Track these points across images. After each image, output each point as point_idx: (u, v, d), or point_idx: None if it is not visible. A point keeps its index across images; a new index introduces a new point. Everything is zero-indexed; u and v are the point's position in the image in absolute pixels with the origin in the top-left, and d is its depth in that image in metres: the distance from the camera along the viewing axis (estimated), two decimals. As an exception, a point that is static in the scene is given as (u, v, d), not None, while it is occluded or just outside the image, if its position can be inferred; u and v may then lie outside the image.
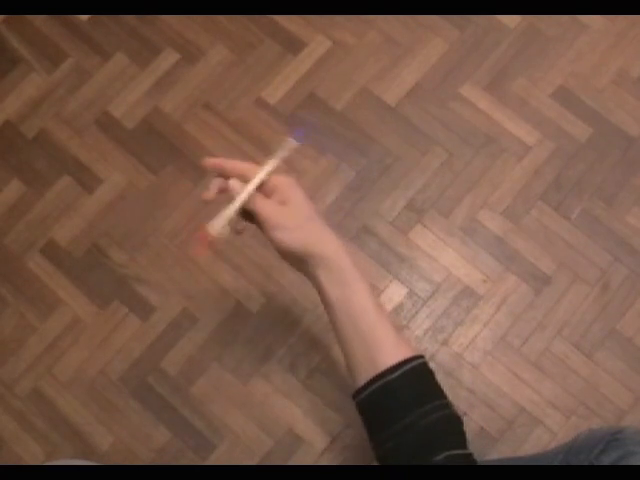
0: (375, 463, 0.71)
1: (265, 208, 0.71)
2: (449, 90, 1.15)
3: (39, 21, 1.22)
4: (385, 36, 1.18)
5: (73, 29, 1.22)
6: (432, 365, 1.02)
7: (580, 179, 1.10)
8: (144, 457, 1.02)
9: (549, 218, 1.08)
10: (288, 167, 1.12)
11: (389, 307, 1.06)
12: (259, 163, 0.75)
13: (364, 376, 0.66)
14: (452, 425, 0.65)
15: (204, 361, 1.05)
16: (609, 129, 1.12)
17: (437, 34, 1.18)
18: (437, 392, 0.67)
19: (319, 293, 0.72)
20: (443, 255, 1.08)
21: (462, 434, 0.65)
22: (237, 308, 1.07)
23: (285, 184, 0.74)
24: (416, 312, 1.06)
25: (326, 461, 1.00)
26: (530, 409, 1.01)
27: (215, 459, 1.01)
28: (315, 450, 1.01)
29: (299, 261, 0.71)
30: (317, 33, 1.19)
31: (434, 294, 1.06)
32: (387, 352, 0.66)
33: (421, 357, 0.68)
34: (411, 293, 1.06)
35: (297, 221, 0.71)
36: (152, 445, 1.03)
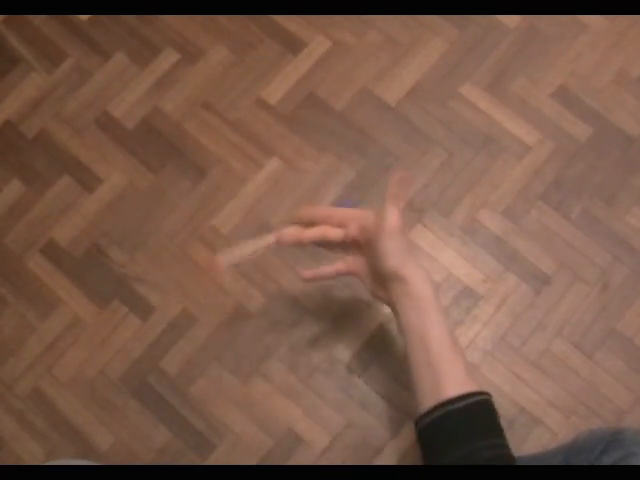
0: (376, 463, 0.71)
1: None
2: (449, 90, 1.15)
3: (39, 21, 1.22)
4: (385, 36, 1.18)
5: (73, 29, 1.22)
6: (432, 365, 1.03)
7: (580, 179, 1.10)
8: (144, 457, 1.02)
9: (549, 218, 1.08)
10: (288, 167, 1.13)
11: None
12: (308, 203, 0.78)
13: (428, 403, 0.67)
14: (506, 464, 0.65)
15: (204, 361, 1.05)
16: (609, 129, 1.12)
17: (437, 34, 1.18)
18: (497, 431, 0.68)
19: (396, 317, 0.74)
20: (443, 255, 1.08)
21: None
22: (237, 308, 1.07)
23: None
24: (416, 312, 1.05)
25: (326, 461, 1.00)
26: (530, 409, 1.01)
27: (215, 459, 1.01)
28: (315, 450, 1.01)
29: (384, 282, 0.75)
30: (317, 33, 1.19)
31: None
32: (454, 383, 0.67)
33: (487, 394, 0.68)
34: (411, 293, 1.06)
35: (403, 244, 0.75)
36: (152, 445, 1.03)
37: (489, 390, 1.00)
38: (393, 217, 0.74)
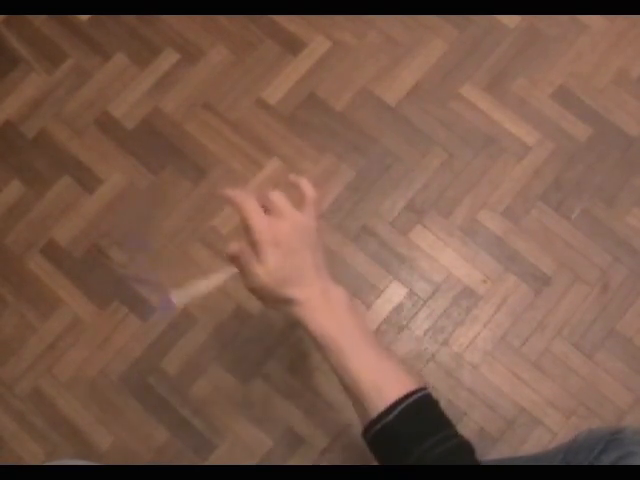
0: (375, 462, 0.71)
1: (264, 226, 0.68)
2: (449, 90, 1.15)
3: (39, 21, 1.22)
4: (385, 36, 1.18)
5: (73, 29, 1.22)
6: (432, 365, 1.03)
7: (580, 179, 1.10)
8: (144, 457, 1.02)
9: (549, 218, 1.08)
10: (289, 167, 1.13)
11: (389, 307, 1.06)
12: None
13: (363, 420, 0.66)
14: (461, 454, 0.64)
15: (204, 361, 1.05)
16: (609, 129, 1.12)
17: (437, 34, 1.18)
18: (441, 424, 0.66)
19: (306, 331, 0.69)
20: (443, 255, 1.08)
21: (473, 462, 0.64)
22: (237, 308, 1.07)
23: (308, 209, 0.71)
24: (416, 312, 1.06)
25: (326, 461, 1.00)
26: (530, 409, 1.01)
27: (215, 459, 1.01)
28: (315, 450, 1.01)
29: (278, 302, 0.69)
30: (317, 33, 1.19)
31: (434, 294, 1.06)
32: (384, 393, 0.65)
33: (421, 390, 0.66)
34: (411, 293, 1.06)
35: (295, 246, 0.68)
36: (152, 445, 1.03)
37: (489, 391, 1.01)
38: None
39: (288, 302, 0.68)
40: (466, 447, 0.65)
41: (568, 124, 1.12)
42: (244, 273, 0.69)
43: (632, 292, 1.05)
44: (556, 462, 0.81)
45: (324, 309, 0.68)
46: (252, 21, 1.20)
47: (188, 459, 1.02)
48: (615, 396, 1.01)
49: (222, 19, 1.21)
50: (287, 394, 1.03)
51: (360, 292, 1.06)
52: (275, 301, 0.69)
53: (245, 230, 0.68)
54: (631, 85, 1.14)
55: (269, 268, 0.66)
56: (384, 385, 0.66)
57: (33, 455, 1.03)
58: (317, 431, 1.02)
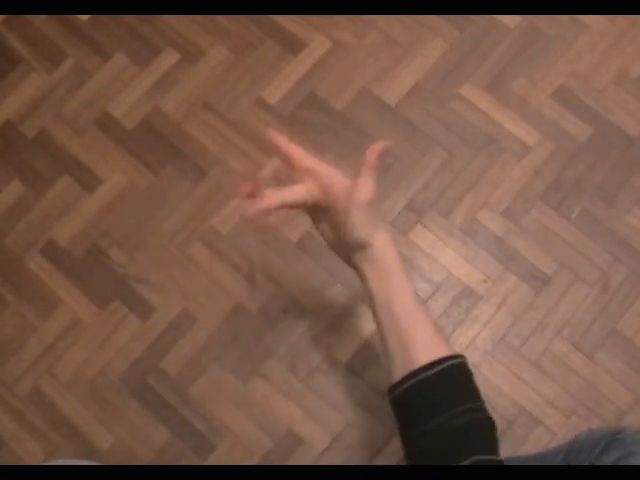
0: (376, 463, 0.71)
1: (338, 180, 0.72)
2: (449, 90, 1.15)
3: (39, 21, 1.22)
4: (385, 36, 1.18)
5: (73, 29, 1.22)
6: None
7: (580, 179, 1.10)
8: (144, 457, 1.02)
9: (549, 218, 1.08)
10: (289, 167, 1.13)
11: (389, 307, 1.06)
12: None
13: (400, 372, 0.66)
14: (484, 429, 0.64)
15: (204, 361, 1.05)
16: (609, 129, 1.12)
17: (437, 34, 1.18)
18: (472, 394, 0.66)
19: (362, 282, 0.72)
20: (443, 255, 1.08)
21: (493, 439, 0.64)
22: (237, 308, 1.07)
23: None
24: (416, 312, 1.05)
25: (326, 461, 1.00)
26: (530, 409, 1.01)
27: (215, 459, 1.01)
28: (315, 450, 1.01)
29: (348, 247, 0.71)
30: (317, 33, 1.19)
31: (434, 294, 1.06)
32: (424, 350, 0.66)
33: (459, 357, 0.67)
34: (411, 293, 1.06)
35: (369, 211, 0.70)
36: (152, 445, 1.03)
37: (489, 391, 1.01)
38: (369, 189, 0.70)
39: (367, 245, 0.70)
40: (491, 423, 0.65)
41: (568, 124, 1.12)
42: (334, 214, 0.71)
43: (632, 292, 1.05)
44: (556, 462, 0.81)
45: (393, 264, 0.70)
46: (252, 21, 1.20)
47: (188, 459, 1.02)
48: (615, 396, 1.01)
49: (222, 19, 1.21)
50: (287, 394, 1.03)
51: (360, 292, 1.06)
52: (354, 241, 0.71)
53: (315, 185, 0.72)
54: (631, 85, 1.14)
55: (360, 199, 0.69)
56: (430, 343, 0.67)
57: (33, 455, 1.03)
58: (317, 431, 1.01)
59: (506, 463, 0.90)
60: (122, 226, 1.12)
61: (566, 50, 1.16)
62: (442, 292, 1.06)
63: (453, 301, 1.06)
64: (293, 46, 1.18)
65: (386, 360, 0.69)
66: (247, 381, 1.04)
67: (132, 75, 1.19)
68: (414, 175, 1.11)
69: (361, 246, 0.70)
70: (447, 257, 1.07)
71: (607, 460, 0.74)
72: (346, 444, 1.01)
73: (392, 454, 0.99)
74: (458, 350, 1.02)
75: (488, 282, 1.06)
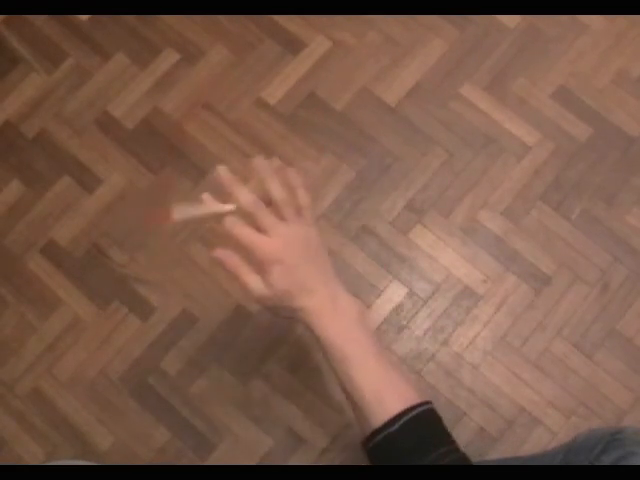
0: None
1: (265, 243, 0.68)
2: (449, 90, 1.15)
3: (39, 21, 1.22)
4: (385, 36, 1.18)
5: (73, 29, 1.22)
6: (432, 365, 1.03)
7: (580, 179, 1.10)
8: (144, 457, 1.02)
9: (549, 218, 1.08)
10: (289, 167, 1.13)
11: (389, 307, 1.06)
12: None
13: (367, 428, 0.66)
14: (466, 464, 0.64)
15: (204, 361, 1.05)
16: (609, 129, 1.12)
17: (437, 34, 1.18)
18: (442, 439, 0.66)
19: (314, 334, 0.70)
20: (443, 255, 1.08)
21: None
22: (237, 308, 1.07)
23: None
24: (416, 312, 1.06)
25: (326, 461, 1.00)
26: (530, 409, 1.01)
27: (215, 459, 1.01)
28: (315, 450, 1.01)
29: (286, 311, 0.70)
30: (317, 33, 1.19)
31: (434, 294, 1.06)
32: (387, 404, 0.65)
33: (425, 404, 0.66)
34: (411, 293, 1.06)
35: (296, 259, 0.68)
36: (152, 445, 1.03)
37: (489, 391, 1.01)
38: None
39: (296, 310, 0.69)
40: (467, 462, 0.65)
41: (568, 124, 1.12)
42: (249, 288, 0.68)
43: (632, 292, 1.05)
44: (556, 462, 0.81)
45: (331, 316, 0.68)
46: (252, 21, 1.20)
47: (188, 459, 1.02)
48: (615, 396, 1.01)
49: (222, 19, 1.21)
50: (287, 394, 1.03)
51: (360, 292, 1.06)
52: (284, 310, 0.69)
53: (245, 251, 0.68)
54: (631, 85, 1.14)
55: (275, 285, 0.67)
56: (388, 396, 0.66)
57: (33, 455, 1.03)
58: (317, 431, 1.02)
59: (506, 463, 0.91)
60: (122, 226, 1.12)
61: (566, 50, 1.16)
62: (442, 292, 1.06)
63: (453, 301, 1.06)
64: (293, 46, 1.18)
65: (354, 409, 0.68)
66: (247, 381, 1.04)
67: (132, 75, 1.19)
68: (414, 175, 1.11)
69: (295, 312, 0.69)
70: (447, 257, 1.07)
71: (607, 460, 0.74)
72: (346, 444, 1.01)
73: (392, 454, 0.99)
74: (457, 350, 1.03)
75: (488, 282, 1.06)
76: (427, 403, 0.67)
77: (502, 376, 1.02)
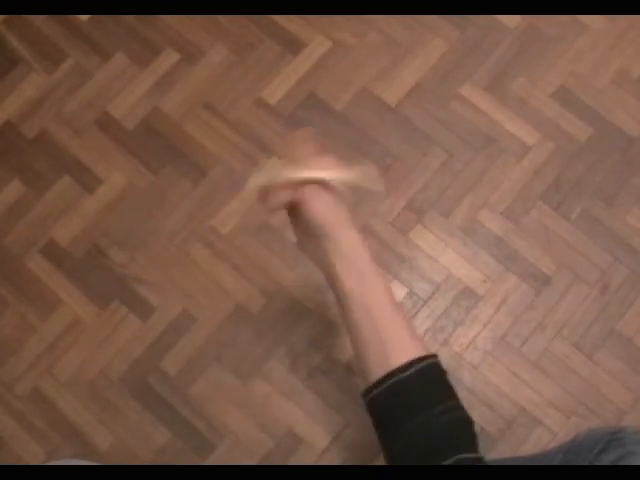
0: (376, 463, 0.71)
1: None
2: (449, 90, 1.15)
3: (39, 21, 1.22)
4: (385, 36, 1.18)
5: (73, 29, 1.22)
6: (432, 365, 1.03)
7: (580, 179, 1.10)
8: (144, 457, 1.02)
9: (549, 218, 1.08)
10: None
11: (389, 307, 1.06)
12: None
13: (375, 374, 0.65)
14: (463, 428, 0.64)
15: (204, 361, 1.05)
16: (609, 129, 1.12)
17: (437, 34, 1.18)
18: (449, 393, 0.66)
19: (331, 281, 0.69)
20: (443, 255, 1.08)
21: (473, 437, 0.64)
22: (237, 308, 1.07)
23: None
24: (416, 312, 1.06)
25: (326, 461, 1.00)
26: (530, 409, 1.01)
27: (215, 459, 1.01)
28: (315, 450, 1.01)
29: (313, 237, 0.69)
30: (317, 33, 1.19)
31: (434, 294, 1.06)
32: (400, 350, 0.65)
33: (434, 356, 0.67)
34: (411, 293, 1.06)
35: (334, 196, 0.70)
36: (152, 445, 1.03)
37: (489, 391, 1.01)
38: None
39: (329, 234, 0.69)
40: (469, 421, 0.65)
41: (568, 124, 1.12)
42: None
43: (632, 292, 1.05)
44: (556, 462, 0.81)
45: (363, 262, 0.70)
46: (252, 21, 1.20)
47: (188, 459, 1.02)
48: (615, 396, 1.01)
49: (222, 19, 1.21)
50: (287, 394, 1.03)
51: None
52: (315, 231, 0.70)
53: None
54: (631, 85, 1.14)
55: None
56: (407, 343, 0.66)
57: (33, 455, 1.03)
58: (317, 431, 1.02)
59: (506, 463, 0.91)
60: (122, 226, 1.12)
61: (566, 50, 1.16)
62: (442, 292, 1.06)
63: (453, 301, 1.06)
64: (293, 46, 1.18)
65: (359, 361, 0.67)
66: (247, 381, 1.04)
67: (132, 75, 1.19)
68: (414, 175, 1.11)
69: (328, 238, 0.68)
70: (447, 257, 1.08)
71: (606, 460, 0.74)
72: (346, 444, 1.01)
73: (392, 454, 0.99)
74: (457, 350, 1.03)
75: (488, 282, 1.06)
76: (435, 356, 0.67)
77: (502, 376, 1.02)
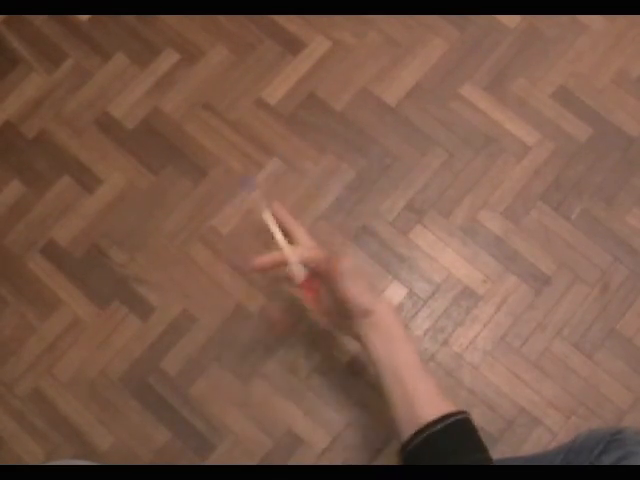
0: (376, 463, 0.72)
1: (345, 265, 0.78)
2: (449, 90, 1.15)
3: (39, 21, 1.22)
4: (385, 36, 1.18)
5: (73, 29, 1.22)
6: (432, 365, 1.03)
7: (580, 179, 1.10)
8: (144, 457, 1.02)
9: (549, 218, 1.08)
10: (289, 167, 1.13)
11: (389, 307, 1.06)
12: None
13: (407, 429, 0.69)
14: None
15: (204, 361, 1.05)
16: (609, 129, 1.12)
17: (437, 34, 1.18)
18: (479, 447, 0.69)
19: (366, 350, 0.76)
20: (443, 255, 1.08)
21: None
22: (237, 308, 1.07)
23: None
24: (416, 312, 1.06)
25: (326, 461, 1.00)
26: (530, 409, 1.01)
27: (215, 459, 1.01)
28: (315, 450, 1.01)
29: (350, 315, 0.77)
30: (317, 33, 1.19)
31: (434, 294, 1.06)
32: (430, 407, 0.70)
33: (464, 412, 0.71)
34: (411, 293, 1.06)
35: (362, 280, 0.78)
36: (152, 445, 1.03)
37: (489, 391, 1.01)
38: (346, 257, 0.79)
39: (368, 313, 0.77)
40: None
41: (568, 124, 1.12)
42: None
43: (632, 292, 1.05)
44: (556, 462, 0.81)
45: (392, 328, 0.77)
46: (252, 21, 1.20)
47: (188, 459, 1.02)
48: (615, 396, 1.01)
49: (222, 19, 1.21)
50: (287, 394, 1.03)
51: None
52: (356, 312, 0.78)
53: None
54: (631, 85, 1.14)
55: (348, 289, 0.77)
56: (435, 400, 0.71)
57: (33, 455, 1.03)
58: (317, 431, 1.02)
59: (506, 463, 0.91)
60: (122, 226, 1.12)
61: (566, 50, 1.16)
62: (442, 292, 1.06)
63: (453, 301, 1.06)
64: (293, 46, 1.18)
65: (394, 419, 0.72)
66: (247, 381, 1.04)
67: (132, 75, 1.19)
68: (414, 175, 1.11)
69: (364, 314, 0.76)
70: (447, 257, 1.08)
71: (607, 460, 0.74)
72: (346, 444, 1.01)
73: (392, 454, 0.99)
74: (457, 350, 1.03)
75: (488, 282, 1.06)
76: (466, 412, 0.71)
77: (502, 376, 1.02)
